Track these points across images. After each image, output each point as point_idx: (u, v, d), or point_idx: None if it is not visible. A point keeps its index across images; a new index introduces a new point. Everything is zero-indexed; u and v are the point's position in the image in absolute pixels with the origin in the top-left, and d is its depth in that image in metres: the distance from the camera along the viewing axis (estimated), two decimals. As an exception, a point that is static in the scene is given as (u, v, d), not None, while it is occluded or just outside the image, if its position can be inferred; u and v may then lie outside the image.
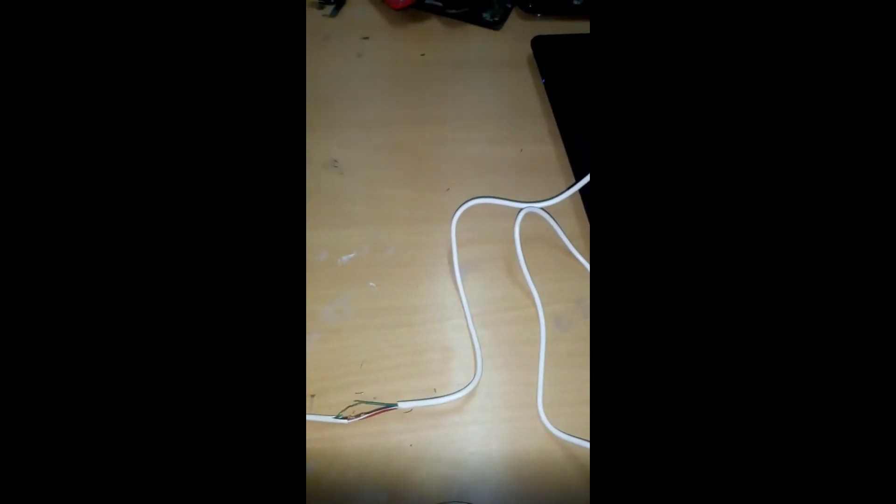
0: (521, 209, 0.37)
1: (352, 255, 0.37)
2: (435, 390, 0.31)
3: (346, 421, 0.30)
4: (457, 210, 0.38)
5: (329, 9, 0.55)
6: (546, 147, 0.44)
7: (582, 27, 0.54)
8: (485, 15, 0.54)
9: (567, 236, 0.37)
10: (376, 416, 0.30)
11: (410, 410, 0.31)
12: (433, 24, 0.55)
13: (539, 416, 0.31)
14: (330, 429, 0.30)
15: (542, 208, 0.38)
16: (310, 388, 0.31)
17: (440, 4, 0.55)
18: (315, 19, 0.54)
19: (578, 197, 0.40)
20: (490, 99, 0.48)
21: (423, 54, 0.51)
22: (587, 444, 0.29)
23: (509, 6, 0.55)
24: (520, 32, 0.53)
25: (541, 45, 0.50)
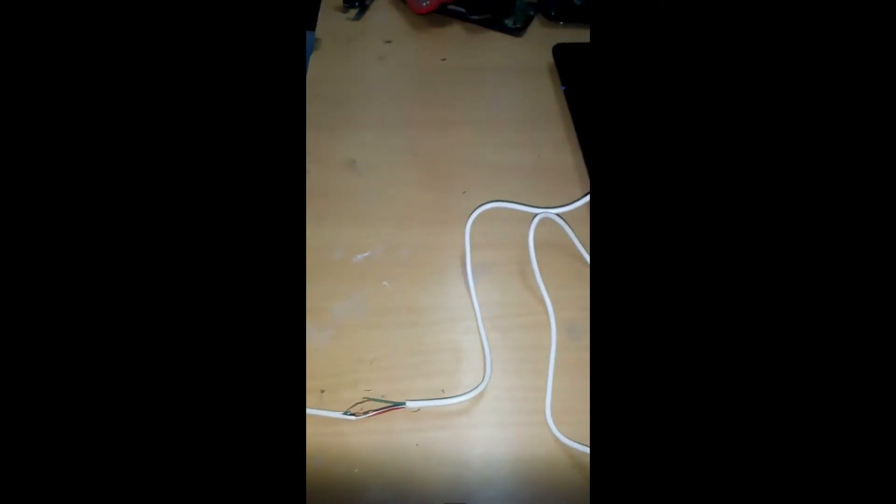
0: (537, 214, 0.37)
1: (366, 254, 0.37)
2: (443, 391, 0.31)
3: (353, 417, 0.30)
4: (472, 213, 0.38)
5: (353, 12, 0.55)
6: (563, 154, 0.44)
7: (604, 36, 0.54)
8: (507, 21, 0.55)
9: (582, 244, 0.37)
10: (384, 413, 0.30)
11: (418, 410, 0.31)
12: (455, 30, 0.55)
13: (546, 423, 0.30)
14: (338, 424, 0.30)
15: (557, 214, 0.37)
16: (320, 383, 0.31)
17: (463, 10, 0.55)
18: (339, 22, 0.55)
19: (594, 205, 0.40)
20: (509, 104, 0.48)
21: (444, 59, 0.52)
22: (594, 452, 0.29)
23: (532, 13, 0.56)
24: (541, 40, 0.53)
25: (562, 53, 0.50)
